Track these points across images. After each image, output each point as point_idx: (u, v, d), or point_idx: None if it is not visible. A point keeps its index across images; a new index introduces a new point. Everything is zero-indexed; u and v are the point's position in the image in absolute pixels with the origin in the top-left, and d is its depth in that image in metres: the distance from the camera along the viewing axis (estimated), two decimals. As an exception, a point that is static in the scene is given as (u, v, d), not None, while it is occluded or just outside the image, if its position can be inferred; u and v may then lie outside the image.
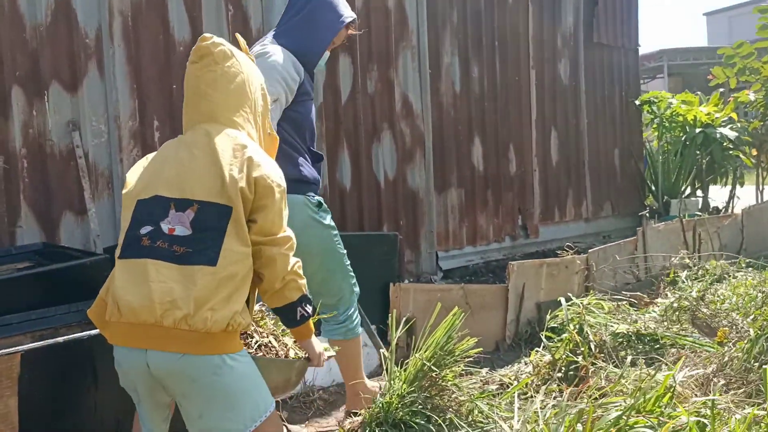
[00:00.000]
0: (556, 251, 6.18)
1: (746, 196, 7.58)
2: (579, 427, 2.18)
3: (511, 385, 3.57)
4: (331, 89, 4.52)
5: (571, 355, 3.33)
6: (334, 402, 3.39)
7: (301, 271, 1.81)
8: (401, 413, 2.77)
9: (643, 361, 3.37)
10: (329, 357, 2.15)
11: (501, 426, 2.51)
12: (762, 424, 2.15)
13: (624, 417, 2.18)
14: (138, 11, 3.59)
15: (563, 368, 3.39)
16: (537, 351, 3.86)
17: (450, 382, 2.93)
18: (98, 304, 1.80)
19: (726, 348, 3.19)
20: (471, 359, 3.78)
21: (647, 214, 6.03)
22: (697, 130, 7.24)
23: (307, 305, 1.84)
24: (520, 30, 5.90)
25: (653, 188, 7.28)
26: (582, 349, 3.35)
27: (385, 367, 3.00)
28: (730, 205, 7.18)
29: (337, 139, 4.57)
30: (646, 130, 7.57)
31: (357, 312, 3.06)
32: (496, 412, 2.81)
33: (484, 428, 2.75)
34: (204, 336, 1.62)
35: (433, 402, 2.88)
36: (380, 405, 2.83)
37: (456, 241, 5.39)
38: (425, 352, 2.93)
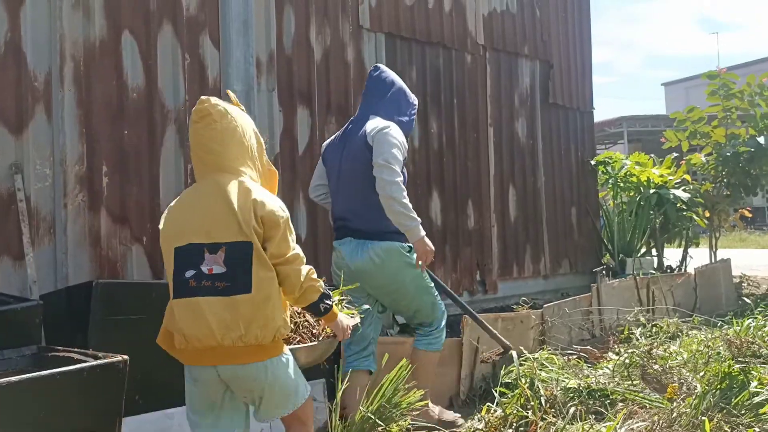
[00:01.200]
0: (513, 306, 6.18)
1: (700, 256, 7.72)
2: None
3: (463, 440, 3.50)
4: (288, 139, 4.54)
5: (521, 410, 3.28)
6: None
7: (314, 276, 2.23)
8: (342, 470, 2.68)
9: (593, 416, 3.34)
10: (354, 325, 2.54)
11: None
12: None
13: (566, 471, 2.13)
14: (91, 56, 3.58)
15: (514, 423, 3.33)
16: (489, 406, 3.80)
17: (396, 437, 2.85)
18: (164, 334, 2.28)
19: (675, 404, 3.17)
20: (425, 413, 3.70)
21: (603, 271, 6.09)
22: (652, 191, 7.42)
23: (327, 300, 2.26)
24: (478, 89, 6.04)
25: (609, 247, 7.38)
26: (532, 404, 3.31)
27: (328, 421, 2.90)
28: (684, 264, 7.30)
29: (293, 190, 4.56)
30: (601, 189, 7.73)
31: (443, 332, 3.61)
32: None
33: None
34: (257, 348, 2.11)
35: (378, 458, 2.79)
36: (322, 461, 2.72)
37: (413, 295, 5.34)
38: (371, 405, 2.85)
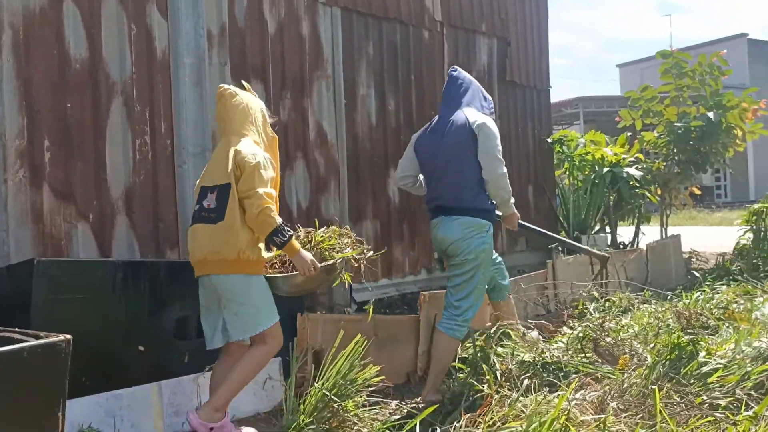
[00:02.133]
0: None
1: (652, 233, 7.89)
2: (475, 454, 2.11)
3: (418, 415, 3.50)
4: (241, 115, 4.43)
5: (477, 384, 3.29)
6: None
7: (271, 214, 2.80)
8: (298, 446, 2.65)
9: (547, 388, 3.37)
10: (328, 265, 3.06)
11: (400, 456, 2.42)
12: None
13: (519, 442, 2.13)
14: (30, 25, 3.41)
15: (470, 397, 3.35)
16: (445, 381, 3.81)
17: (351, 413, 2.82)
18: None
19: (626, 375, 3.22)
20: (380, 391, 3.69)
21: (558, 248, 6.15)
22: (606, 169, 7.52)
23: (280, 235, 2.83)
24: (435, 65, 6.00)
25: (565, 224, 7.48)
26: (488, 378, 3.32)
27: (283, 399, 2.86)
28: (636, 240, 7.45)
29: (248, 167, 4.46)
30: (557, 168, 7.81)
31: (467, 325, 3.82)
32: (398, 444, 2.72)
33: (385, 460, 2.66)
34: (226, 263, 2.82)
35: (334, 434, 2.77)
36: (276, 439, 2.69)
37: (371, 274, 5.31)
38: (326, 381, 2.82)
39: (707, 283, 5.77)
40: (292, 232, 2.92)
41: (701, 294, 4.81)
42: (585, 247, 4.81)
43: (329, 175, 5.02)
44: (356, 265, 3.24)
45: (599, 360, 3.74)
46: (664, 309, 4.39)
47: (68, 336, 2.19)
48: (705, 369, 2.95)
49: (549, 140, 7.36)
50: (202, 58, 4.13)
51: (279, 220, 2.83)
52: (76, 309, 2.98)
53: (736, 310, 4.18)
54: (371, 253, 3.30)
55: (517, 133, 6.99)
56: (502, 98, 6.75)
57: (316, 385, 2.78)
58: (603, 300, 5.05)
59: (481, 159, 3.66)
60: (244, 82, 3.23)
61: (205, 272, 2.91)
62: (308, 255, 2.96)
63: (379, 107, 5.47)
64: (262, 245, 2.91)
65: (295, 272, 2.98)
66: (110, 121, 3.73)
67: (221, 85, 3.10)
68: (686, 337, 3.15)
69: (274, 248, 3.00)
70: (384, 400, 3.43)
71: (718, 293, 5.05)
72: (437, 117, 3.95)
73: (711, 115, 6.93)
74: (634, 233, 7.48)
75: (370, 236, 5.32)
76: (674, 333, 3.60)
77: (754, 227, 5.78)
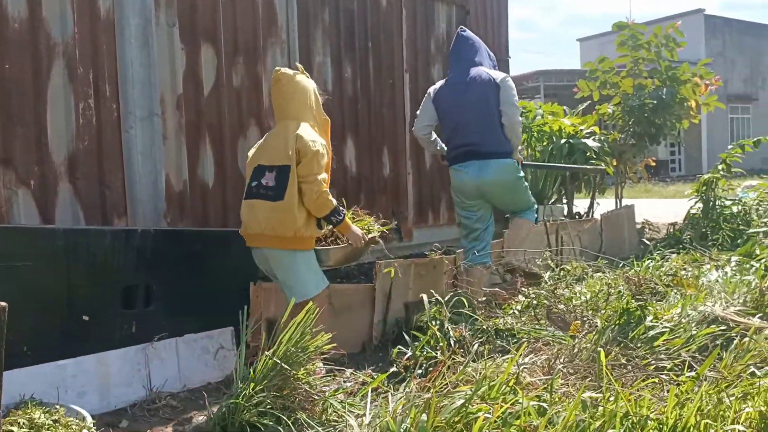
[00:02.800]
0: (427, 253, 6.22)
1: (607, 204, 8.00)
2: (424, 417, 2.11)
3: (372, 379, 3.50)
4: (192, 81, 4.29)
5: (431, 351, 3.30)
6: (183, 409, 3.15)
7: (328, 197, 3.16)
8: (248, 415, 2.61)
9: (499, 354, 3.40)
10: (371, 238, 3.58)
11: (351, 423, 2.40)
12: (599, 407, 2.18)
13: (467, 405, 2.14)
14: (-38, -21, 3.23)
15: (424, 364, 3.35)
16: (399, 348, 3.81)
17: (303, 381, 2.80)
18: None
19: (577, 340, 3.26)
20: (335, 360, 3.68)
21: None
22: (563, 141, 7.58)
23: (336, 215, 3.23)
24: (393, 33, 5.92)
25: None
26: (441, 345, 3.33)
27: (234, 368, 2.82)
28: (591, 211, 7.55)
29: (199, 133, 4.34)
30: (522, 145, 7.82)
31: (487, 250, 4.67)
32: (349, 410, 2.71)
33: (337, 426, 2.64)
34: (281, 239, 3.14)
35: (285, 402, 2.73)
36: (225, 407, 2.65)
37: (327, 244, 5.27)
38: (277, 349, 2.78)
39: (658, 251, 5.89)
40: (344, 210, 3.32)
41: (651, 262, 4.90)
42: (584, 166, 5.10)
43: (284, 143, 4.92)
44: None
45: (552, 326, 3.78)
46: (615, 276, 4.46)
47: (3, 303, 2.10)
48: (652, 333, 3.00)
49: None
50: (148, 18, 3.98)
51: (335, 202, 3.21)
52: (17, 277, 2.87)
53: (684, 277, 4.27)
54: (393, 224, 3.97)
55: (476, 103, 6.96)
56: (461, 68, 6.71)
57: (266, 353, 2.74)
58: (558, 269, 5.12)
59: (504, 108, 4.30)
60: (297, 64, 3.52)
61: (260, 245, 3.25)
62: (359, 230, 3.44)
63: (336, 75, 5.38)
64: (314, 224, 3.26)
65: (344, 245, 3.47)
66: (51, 84, 3.57)
67: (277, 68, 3.32)
68: (635, 303, 3.19)
69: (326, 225, 3.41)
70: (338, 368, 3.42)
71: (667, 261, 5.16)
72: (451, 73, 4.55)
73: (664, 89, 7.00)
74: (589, 204, 7.57)
75: (327, 206, 5.28)
76: (624, 299, 3.66)
77: (704, 197, 5.91)
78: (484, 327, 3.55)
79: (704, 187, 5.98)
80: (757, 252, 4.86)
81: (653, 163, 7.91)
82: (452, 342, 3.42)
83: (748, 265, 4.54)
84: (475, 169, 4.36)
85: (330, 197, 3.17)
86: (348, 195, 5.44)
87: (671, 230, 6.56)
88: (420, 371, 3.30)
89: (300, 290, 3.26)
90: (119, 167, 3.89)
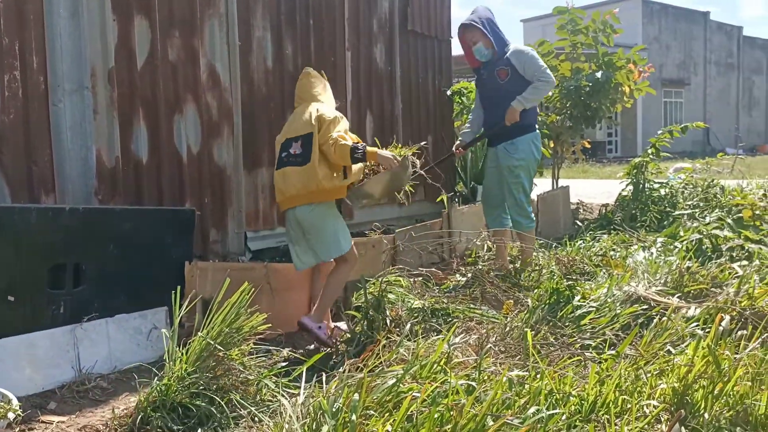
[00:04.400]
0: (366, 232, 6.25)
1: (544, 185, 8.19)
2: (356, 396, 2.14)
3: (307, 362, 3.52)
4: (124, 53, 4.15)
5: (367, 330, 3.34)
6: (114, 391, 3.10)
7: (340, 141, 3.46)
8: (180, 396, 2.59)
9: (434, 333, 3.47)
10: (404, 157, 3.73)
11: (284, 404, 2.42)
12: (525, 384, 2.26)
13: (398, 384, 2.18)
14: None
15: (361, 343, 3.40)
16: (336, 327, 3.85)
17: (237, 361, 2.79)
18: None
19: (508, 319, 3.36)
20: (271, 340, 3.68)
21: (455, 196, 6.27)
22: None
23: (357, 151, 3.47)
24: (335, 11, 5.85)
25: (462, 175, 7.63)
26: (378, 324, 3.38)
27: (166, 348, 2.79)
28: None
29: (132, 108, 4.21)
30: (456, 119, 7.90)
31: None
32: (284, 389, 2.72)
33: (271, 406, 2.65)
34: (307, 195, 3.55)
35: (218, 382, 2.73)
36: (157, 388, 2.62)
37: (267, 222, 5.23)
38: (211, 330, 2.76)
39: (590, 232, 6.09)
40: (364, 144, 3.55)
41: (583, 243, 5.07)
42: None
43: (222, 119, 4.83)
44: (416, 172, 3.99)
45: (486, 305, 3.88)
46: (548, 257, 4.60)
47: None
48: (579, 312, 3.11)
49: (449, 92, 7.41)
50: (78, -13, 3.82)
51: (350, 142, 3.48)
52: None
53: (613, 257, 4.44)
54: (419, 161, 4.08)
55: (418, 83, 7.00)
56: (403, 47, 6.71)
57: (200, 333, 2.72)
58: (494, 248, 5.24)
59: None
60: (323, 73, 3.98)
61: (293, 204, 3.61)
62: (388, 152, 3.66)
63: (276, 51, 5.29)
64: (336, 178, 3.59)
65: (381, 173, 3.75)
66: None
67: (307, 68, 3.97)
68: (565, 284, 3.30)
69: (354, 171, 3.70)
70: (274, 348, 3.42)
71: (598, 242, 5.34)
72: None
73: (599, 74, 7.18)
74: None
75: (266, 184, 5.22)
76: (555, 279, 3.79)
77: (635, 180, 6.12)
78: (420, 306, 3.61)
79: (635, 170, 6.19)
80: (681, 233, 5.08)
81: (588, 145, 8.12)
82: (388, 321, 3.47)
83: (671, 246, 4.75)
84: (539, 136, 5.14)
85: (342, 141, 3.46)
86: (288, 173, 5.40)
87: (603, 211, 6.78)
88: (357, 349, 3.35)
89: (334, 246, 3.67)
90: (47, 142, 3.75)
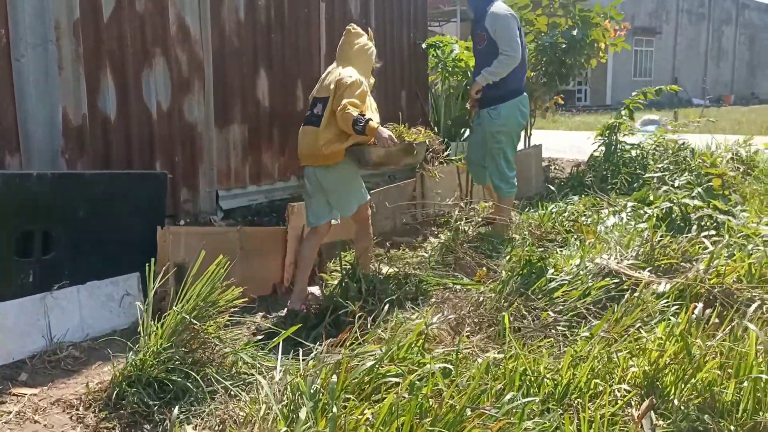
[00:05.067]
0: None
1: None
2: (334, 378, 2.16)
3: (283, 332, 3.53)
4: (90, 4, 3.95)
5: (341, 300, 3.35)
6: (86, 360, 3.08)
7: (347, 110, 3.53)
8: (156, 371, 2.58)
9: (410, 302, 3.50)
10: (408, 143, 3.82)
11: (261, 381, 2.42)
12: (501, 366, 2.30)
13: (377, 366, 2.20)
14: None
15: (335, 312, 3.40)
16: (310, 293, 3.85)
17: (212, 335, 2.78)
18: None
19: (482, 289, 3.39)
20: (244, 305, 3.68)
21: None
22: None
23: (358, 122, 3.52)
24: (310, -41, 5.64)
25: (436, 130, 7.57)
26: (352, 292, 3.38)
27: (141, 321, 2.76)
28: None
29: (99, 62, 4.04)
30: (431, 73, 7.78)
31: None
32: (260, 363, 2.73)
33: (247, 380, 2.66)
34: (318, 157, 3.68)
35: (194, 356, 2.72)
36: (132, 363, 2.61)
37: (239, 180, 5.15)
38: (186, 303, 2.74)
39: (562, 193, 6.15)
40: (367, 117, 3.55)
41: (555, 207, 5.11)
42: None
43: (193, 74, 4.68)
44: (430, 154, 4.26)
45: (460, 272, 3.91)
46: (521, 223, 4.64)
47: None
48: (552, 285, 3.16)
49: (424, 45, 7.28)
50: (38, -66, 3.59)
51: (355, 113, 3.53)
52: None
53: (584, 223, 4.49)
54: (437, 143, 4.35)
55: (392, 36, 6.85)
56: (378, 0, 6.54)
57: (175, 308, 2.69)
58: (467, 210, 5.26)
59: None
60: (369, 29, 4.06)
61: (307, 164, 3.79)
62: (386, 131, 3.62)
63: (249, 2, 5.10)
64: (336, 143, 3.65)
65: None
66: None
67: (351, 24, 3.96)
68: (537, 254, 3.34)
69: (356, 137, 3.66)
70: (247, 319, 3.41)
71: (571, 204, 5.40)
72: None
73: (575, 32, 7.10)
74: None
75: (238, 141, 5.11)
76: (527, 247, 3.83)
77: (607, 141, 6.15)
78: (395, 273, 3.63)
79: (607, 131, 6.21)
80: (651, 198, 5.16)
81: (561, 101, 8.09)
82: (363, 290, 3.48)
83: (642, 212, 4.82)
84: (527, 100, 4.97)
85: (350, 110, 3.53)
86: (260, 130, 5.30)
87: (575, 171, 6.83)
88: (332, 318, 3.36)
89: (346, 204, 3.82)
90: (10, 99, 3.59)
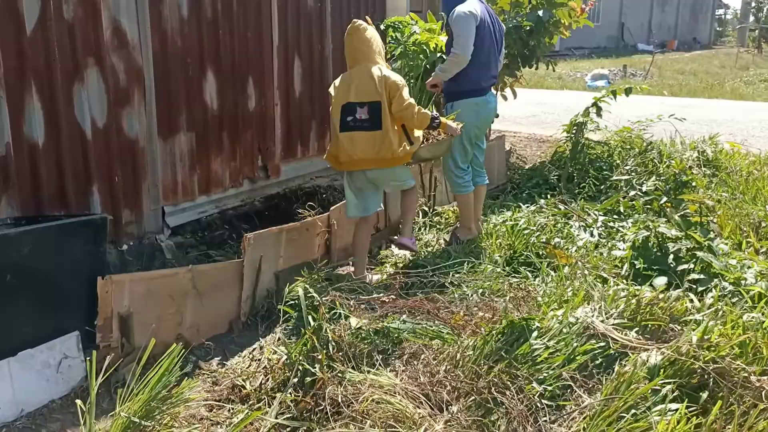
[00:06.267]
0: (301, 189, 5.85)
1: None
2: None
3: (244, 388, 3.25)
4: (9, 16, 3.43)
5: (308, 365, 3.07)
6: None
7: (422, 111, 3.86)
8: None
9: (380, 356, 3.25)
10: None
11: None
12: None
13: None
14: None
15: (299, 371, 3.14)
16: (271, 348, 3.54)
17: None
18: (330, 157, 4.08)
19: (459, 343, 3.16)
20: (201, 348, 3.36)
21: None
22: (438, 56, 7.20)
23: (435, 119, 3.93)
24: (260, -58, 5.11)
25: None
26: (320, 356, 3.11)
27: (83, 421, 2.43)
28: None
29: (23, 82, 3.54)
30: (391, 56, 7.35)
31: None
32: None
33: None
34: (384, 160, 3.86)
35: (147, 460, 2.42)
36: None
37: (187, 193, 4.74)
38: (134, 404, 2.42)
39: (525, 191, 5.94)
40: (435, 113, 3.96)
41: (522, 216, 4.88)
42: None
43: (131, 83, 4.20)
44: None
45: (429, 318, 3.66)
46: (489, 245, 4.42)
47: None
48: (535, 350, 2.95)
49: (382, 26, 6.82)
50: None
51: (429, 113, 3.87)
52: None
53: (556, 246, 4.30)
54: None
55: (350, 18, 6.36)
56: (335, -20, 6.05)
57: (120, 413, 2.37)
58: (431, 215, 5.03)
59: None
60: (367, 18, 4.13)
61: (363, 167, 3.90)
62: (452, 123, 4.15)
63: (192, -5, 4.59)
64: (405, 145, 3.89)
65: (440, 140, 4.18)
66: None
67: (355, 21, 3.90)
68: (518, 317, 3.12)
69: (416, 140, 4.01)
70: (203, 371, 3.11)
71: (540, 210, 5.19)
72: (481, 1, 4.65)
73: (541, 13, 6.78)
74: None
75: (185, 151, 4.68)
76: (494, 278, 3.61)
77: (574, 139, 5.93)
78: (365, 327, 3.35)
79: (575, 129, 5.98)
80: (621, 207, 5.00)
81: (522, 84, 7.82)
82: (331, 348, 3.21)
83: (614, 227, 4.66)
84: (494, 100, 4.83)
85: (424, 111, 3.85)
86: (208, 136, 4.87)
87: (537, 162, 6.59)
88: (296, 380, 3.09)
89: (408, 177, 4.11)
90: None
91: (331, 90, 3.94)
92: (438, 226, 5.35)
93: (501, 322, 3.20)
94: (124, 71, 4.12)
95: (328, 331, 3.28)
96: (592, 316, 3.11)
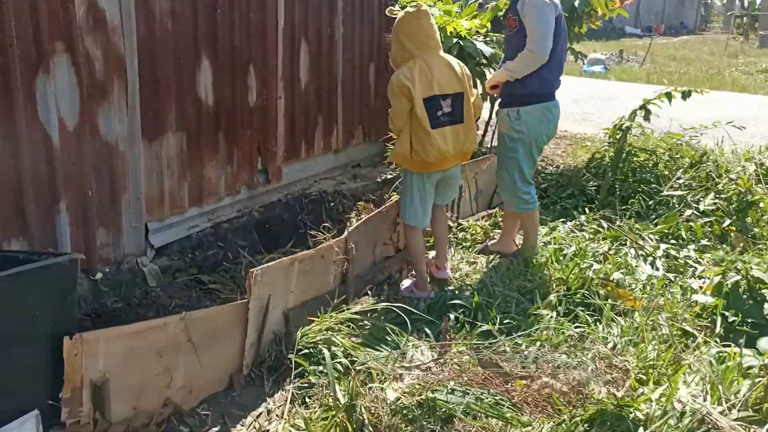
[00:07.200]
0: (305, 195, 5.09)
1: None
2: None
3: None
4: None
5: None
6: None
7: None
8: None
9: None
10: None
11: None
12: None
13: None
14: None
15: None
16: (284, 421, 2.82)
17: None
18: (403, 157, 3.58)
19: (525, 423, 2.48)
20: (194, 413, 2.67)
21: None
22: (454, 41, 6.46)
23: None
24: None
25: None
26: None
27: None
28: (487, 129, 6.71)
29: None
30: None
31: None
32: None
33: None
34: (469, 154, 3.69)
35: None
36: None
37: (175, 205, 3.96)
38: None
39: (559, 203, 5.25)
40: None
41: (572, 246, 4.18)
42: None
43: (110, 74, 3.39)
44: None
45: (485, 372, 2.96)
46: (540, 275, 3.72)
47: None
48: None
49: (397, 7, 6.03)
50: None
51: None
52: None
53: (619, 283, 3.63)
54: None
55: (362, 3, 5.60)
56: (349, -46, 5.24)
57: None
58: (457, 229, 4.33)
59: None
60: (419, 1, 3.68)
61: (451, 165, 3.63)
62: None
63: (186, -34, 3.77)
64: None
65: None
66: None
67: (419, 3, 3.52)
68: (612, 404, 2.43)
69: None
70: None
71: (581, 228, 4.51)
72: None
73: (576, 3, 6.07)
74: (484, 128, 6.70)
75: (173, 155, 3.89)
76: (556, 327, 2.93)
77: (618, 146, 5.21)
78: (407, 402, 2.63)
79: (619, 134, 5.27)
80: (681, 229, 4.34)
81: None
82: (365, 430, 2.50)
83: (677, 256, 4.00)
84: (558, 109, 4.06)
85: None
86: (202, 137, 4.09)
87: (572, 169, 5.88)
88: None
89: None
90: None
91: (407, 82, 3.38)
92: (463, 244, 4.64)
93: (582, 401, 2.52)
94: (101, 59, 3.31)
95: (363, 410, 2.58)
96: (703, 400, 2.44)
